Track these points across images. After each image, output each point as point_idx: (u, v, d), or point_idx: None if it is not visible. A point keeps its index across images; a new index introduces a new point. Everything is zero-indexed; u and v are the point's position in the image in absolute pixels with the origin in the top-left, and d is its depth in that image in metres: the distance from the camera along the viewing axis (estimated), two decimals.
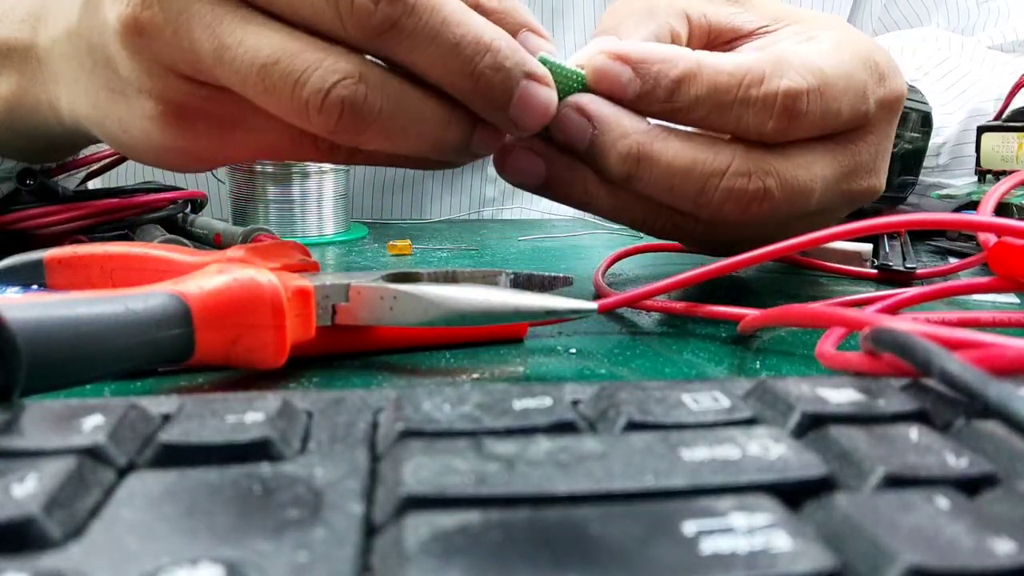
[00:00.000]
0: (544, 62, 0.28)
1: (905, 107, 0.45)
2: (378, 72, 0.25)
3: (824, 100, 0.28)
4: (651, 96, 0.28)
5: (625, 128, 0.28)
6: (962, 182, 0.54)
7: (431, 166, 0.31)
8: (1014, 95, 0.49)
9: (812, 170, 0.30)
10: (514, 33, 0.27)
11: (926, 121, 0.48)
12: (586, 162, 0.30)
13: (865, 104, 0.30)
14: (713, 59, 0.28)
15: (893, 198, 0.48)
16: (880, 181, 0.33)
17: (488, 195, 0.71)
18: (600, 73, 0.29)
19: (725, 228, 0.31)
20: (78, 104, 0.31)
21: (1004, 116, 0.49)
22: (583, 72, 0.29)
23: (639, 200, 0.30)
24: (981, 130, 0.49)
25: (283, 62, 0.24)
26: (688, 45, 0.32)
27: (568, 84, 0.29)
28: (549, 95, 0.27)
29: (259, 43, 0.24)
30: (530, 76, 0.26)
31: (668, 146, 0.28)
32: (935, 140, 0.54)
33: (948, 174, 0.56)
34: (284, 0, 0.24)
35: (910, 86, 0.48)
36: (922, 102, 0.48)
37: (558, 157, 0.30)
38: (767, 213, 0.29)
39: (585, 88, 0.29)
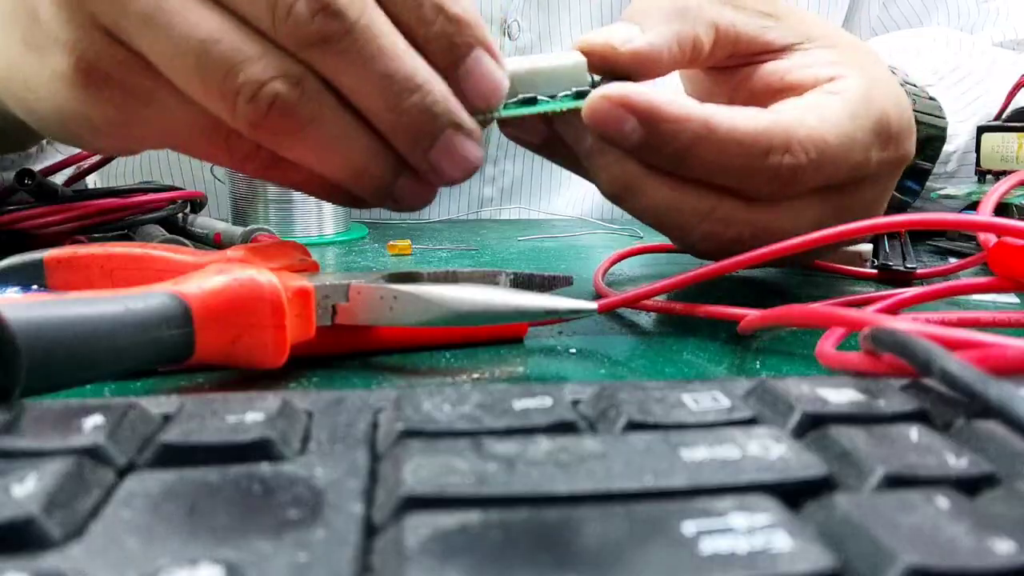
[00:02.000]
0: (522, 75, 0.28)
1: (928, 129, 0.45)
2: (318, 83, 0.25)
3: (822, 168, 0.29)
4: (656, 152, 0.28)
5: (618, 157, 0.29)
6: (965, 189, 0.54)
7: (344, 201, 0.30)
8: (1014, 95, 0.49)
9: (797, 220, 0.30)
10: (468, 50, 0.26)
11: (941, 140, 0.48)
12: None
13: (867, 166, 0.30)
14: (723, 122, 0.28)
15: (897, 207, 0.48)
16: None
17: (487, 195, 0.71)
18: (599, 116, 0.28)
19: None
20: None
21: (1004, 116, 0.49)
22: (580, 61, 0.29)
23: (687, 189, 0.30)
24: (981, 130, 0.49)
25: (224, 44, 0.24)
26: (711, 54, 0.32)
27: (561, 81, 0.29)
28: (474, 151, 0.27)
29: (201, 19, 0.24)
30: (458, 128, 0.26)
31: (655, 185, 0.29)
32: (947, 148, 0.54)
33: (955, 181, 0.56)
34: None
35: (931, 97, 0.47)
36: (940, 116, 0.47)
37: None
38: (743, 251, 0.29)
39: (581, 79, 0.29)
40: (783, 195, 0.29)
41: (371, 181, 0.27)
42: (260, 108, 0.24)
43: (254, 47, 0.24)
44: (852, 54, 0.32)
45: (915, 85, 0.47)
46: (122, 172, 0.71)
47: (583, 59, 0.29)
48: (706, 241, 0.30)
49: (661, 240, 0.38)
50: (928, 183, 0.51)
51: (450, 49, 0.26)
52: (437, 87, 0.25)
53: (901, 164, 0.32)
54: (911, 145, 0.32)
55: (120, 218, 0.43)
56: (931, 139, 0.46)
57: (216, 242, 0.44)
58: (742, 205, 0.30)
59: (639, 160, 0.29)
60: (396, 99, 0.25)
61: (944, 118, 0.48)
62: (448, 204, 0.71)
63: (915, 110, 0.41)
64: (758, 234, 0.29)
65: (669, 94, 0.28)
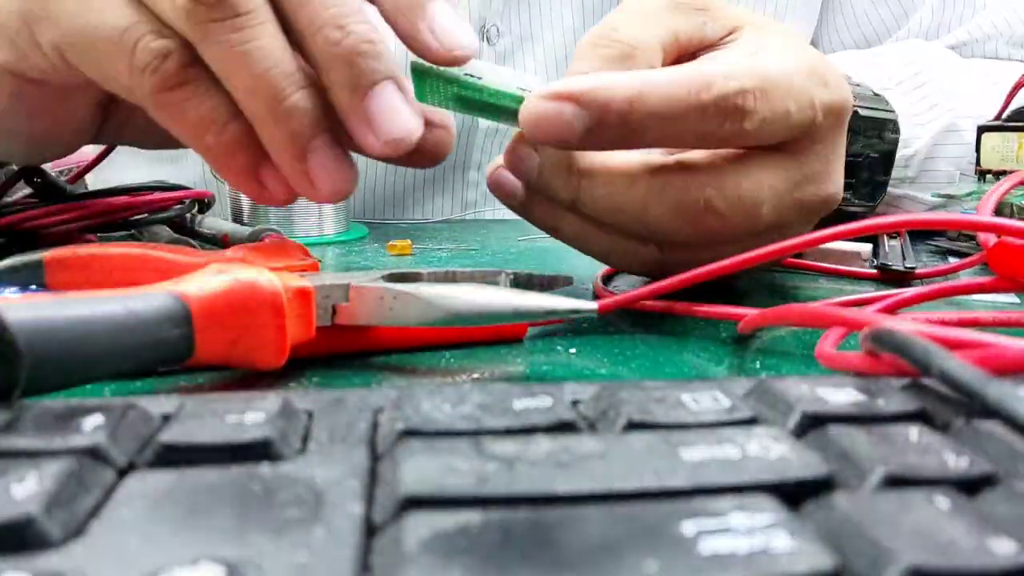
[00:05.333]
0: (474, 87, 0.28)
1: (872, 116, 0.45)
2: (198, 63, 0.27)
3: (770, 100, 0.28)
4: (603, 124, 0.26)
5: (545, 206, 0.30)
6: (929, 195, 0.54)
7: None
8: (1014, 95, 0.49)
9: (758, 180, 0.29)
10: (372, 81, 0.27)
11: (893, 128, 0.47)
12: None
13: (812, 109, 0.30)
14: (658, 76, 0.27)
15: (865, 206, 0.48)
16: (834, 188, 0.32)
17: (470, 199, 0.71)
18: (536, 119, 0.26)
19: (682, 253, 0.31)
20: None
21: (1004, 116, 0.49)
22: (521, 94, 0.28)
23: (600, 231, 0.31)
24: (981, 130, 0.49)
25: (132, 30, 0.27)
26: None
27: (502, 105, 0.28)
28: (286, 194, 0.28)
29: (118, 11, 0.27)
30: (301, 153, 0.27)
31: (570, 221, 0.30)
32: (904, 151, 0.53)
33: (916, 187, 0.56)
34: None
35: (876, 94, 0.47)
36: (888, 110, 0.47)
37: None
38: (717, 228, 0.29)
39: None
40: (745, 134, 0.28)
41: (236, 164, 0.28)
42: (151, 81, 0.27)
43: (153, 27, 0.27)
44: (773, 28, 0.33)
45: (859, 85, 0.47)
46: (128, 172, 0.71)
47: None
48: (674, 215, 0.29)
49: None
50: (890, 189, 0.51)
51: (352, 77, 0.26)
52: (302, 102, 0.27)
53: (843, 112, 0.32)
54: (847, 91, 0.32)
55: (127, 217, 0.42)
56: (881, 129, 0.46)
57: (224, 243, 0.44)
58: (696, 169, 0.29)
59: (593, 146, 0.28)
60: (264, 105, 0.26)
61: (891, 110, 0.47)
62: (432, 206, 0.71)
63: (857, 105, 0.41)
64: (721, 197, 0.29)
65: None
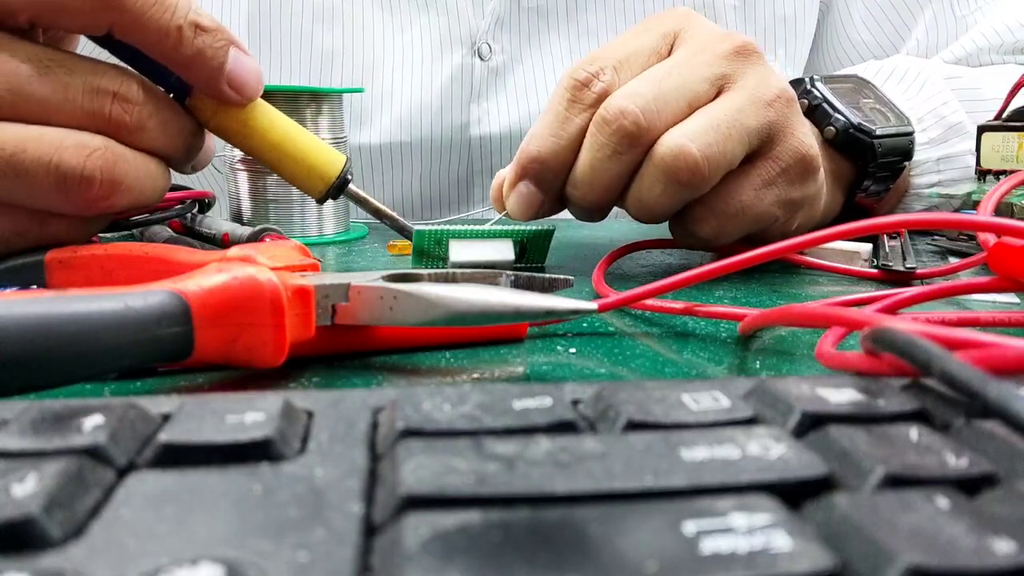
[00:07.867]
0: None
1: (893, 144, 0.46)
2: (116, 143, 0.30)
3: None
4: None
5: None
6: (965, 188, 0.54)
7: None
8: (1014, 95, 0.49)
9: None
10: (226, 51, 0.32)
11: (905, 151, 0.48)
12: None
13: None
14: None
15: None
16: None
17: (476, 197, 0.71)
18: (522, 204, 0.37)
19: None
20: None
21: (1004, 116, 0.48)
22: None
23: None
24: (981, 130, 0.49)
25: (31, 149, 0.28)
26: None
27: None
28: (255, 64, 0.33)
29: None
30: (233, 44, 0.32)
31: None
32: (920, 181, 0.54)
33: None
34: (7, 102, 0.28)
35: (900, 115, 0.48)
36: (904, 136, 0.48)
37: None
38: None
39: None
40: None
41: (165, 190, 0.33)
42: (93, 183, 0.29)
43: (56, 136, 0.28)
44: None
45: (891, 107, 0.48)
46: None
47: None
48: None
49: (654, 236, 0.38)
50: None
51: (212, 54, 0.31)
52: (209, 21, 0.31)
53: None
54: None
55: (127, 217, 0.42)
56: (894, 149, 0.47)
57: (224, 242, 0.44)
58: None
59: None
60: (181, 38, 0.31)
61: (907, 135, 0.48)
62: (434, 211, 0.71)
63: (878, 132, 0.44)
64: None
65: None
